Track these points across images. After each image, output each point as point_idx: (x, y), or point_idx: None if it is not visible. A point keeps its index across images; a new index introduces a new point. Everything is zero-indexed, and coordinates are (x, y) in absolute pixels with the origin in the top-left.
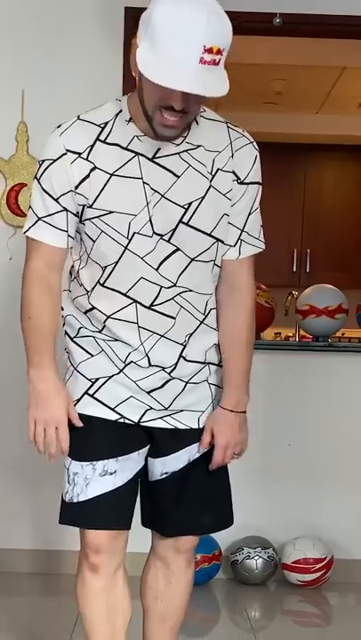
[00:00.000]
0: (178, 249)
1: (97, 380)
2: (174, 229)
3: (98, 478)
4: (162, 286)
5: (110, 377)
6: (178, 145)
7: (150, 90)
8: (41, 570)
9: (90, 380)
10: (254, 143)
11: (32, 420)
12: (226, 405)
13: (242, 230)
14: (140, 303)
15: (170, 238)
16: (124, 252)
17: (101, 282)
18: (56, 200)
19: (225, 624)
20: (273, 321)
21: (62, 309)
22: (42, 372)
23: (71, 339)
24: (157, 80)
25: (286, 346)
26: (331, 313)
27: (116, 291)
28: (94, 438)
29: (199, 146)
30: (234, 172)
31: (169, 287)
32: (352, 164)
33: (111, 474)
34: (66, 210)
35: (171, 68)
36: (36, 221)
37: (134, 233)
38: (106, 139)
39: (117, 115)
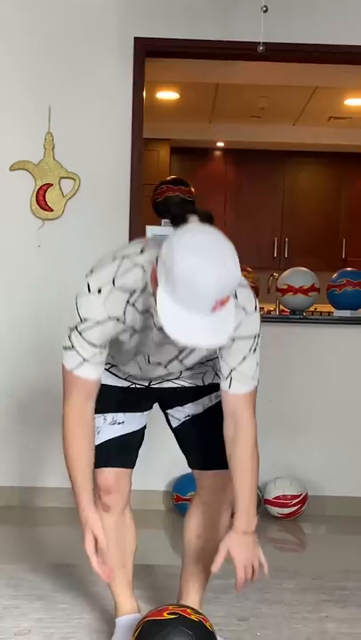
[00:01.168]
0: (168, 371)
1: (110, 364)
2: (169, 362)
3: (108, 427)
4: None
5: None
6: None
7: None
8: (65, 504)
9: (106, 363)
10: (247, 307)
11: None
12: (238, 530)
13: (233, 369)
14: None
15: (166, 365)
16: (128, 360)
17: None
18: (98, 347)
19: None
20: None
21: None
22: (83, 513)
23: None
24: (181, 341)
25: (268, 318)
26: (305, 291)
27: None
28: (106, 397)
29: None
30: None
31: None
32: (323, 167)
33: (119, 424)
34: (103, 350)
35: (185, 322)
36: (81, 362)
37: (139, 353)
38: (134, 304)
39: (144, 288)
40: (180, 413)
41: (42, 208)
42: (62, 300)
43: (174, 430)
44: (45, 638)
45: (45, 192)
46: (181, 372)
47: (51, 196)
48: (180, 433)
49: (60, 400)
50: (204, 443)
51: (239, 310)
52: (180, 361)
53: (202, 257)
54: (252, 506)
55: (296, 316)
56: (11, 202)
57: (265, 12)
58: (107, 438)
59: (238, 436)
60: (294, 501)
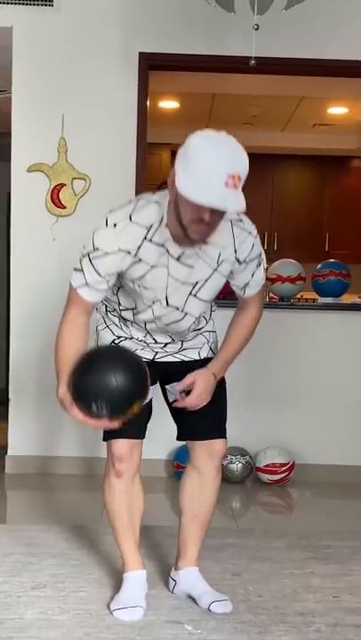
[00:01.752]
0: (186, 314)
1: (120, 337)
2: (185, 302)
3: None
4: (167, 323)
5: (130, 338)
6: (195, 248)
7: (187, 208)
8: (79, 472)
9: (115, 335)
10: (253, 231)
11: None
12: (210, 369)
13: (246, 283)
14: (155, 319)
15: (182, 308)
16: (147, 308)
17: (121, 308)
18: (102, 276)
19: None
20: None
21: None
22: (60, 390)
23: (107, 311)
24: (196, 200)
25: (265, 305)
26: (292, 280)
27: (136, 315)
28: None
29: (211, 247)
30: (237, 259)
31: (179, 320)
32: (308, 169)
33: None
34: (108, 281)
35: (203, 191)
36: (84, 284)
37: (155, 301)
38: (151, 239)
39: (161, 220)
40: (175, 394)
41: (56, 206)
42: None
43: (170, 405)
44: (59, 592)
45: (59, 191)
46: (189, 329)
47: (64, 195)
48: (178, 409)
49: None
50: (196, 416)
51: (246, 233)
52: (195, 295)
53: (215, 141)
54: (230, 360)
55: (284, 303)
56: (28, 200)
57: (256, 29)
58: None
59: (244, 310)
60: (283, 469)
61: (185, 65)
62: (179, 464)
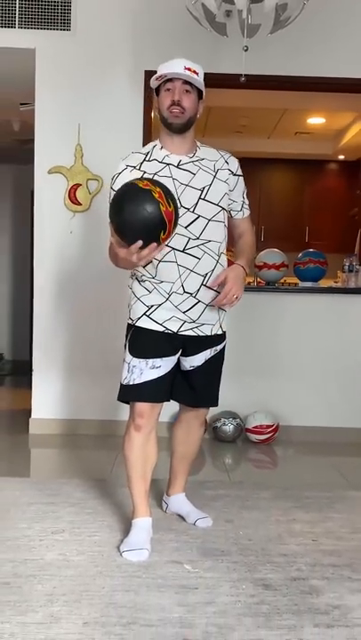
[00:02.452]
0: (199, 216)
1: (152, 306)
2: (196, 204)
3: (148, 370)
4: (190, 238)
5: (160, 305)
6: (191, 158)
7: (161, 99)
8: (96, 433)
9: (147, 306)
10: (232, 155)
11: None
12: (239, 263)
13: (243, 202)
14: (175, 249)
15: (194, 210)
16: None
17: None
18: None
19: (209, 467)
20: None
21: (135, 271)
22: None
23: (138, 281)
24: (163, 72)
25: (249, 289)
26: (277, 267)
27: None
28: (148, 344)
29: (203, 159)
30: (229, 170)
31: (195, 239)
32: (290, 171)
33: (157, 368)
34: None
35: (168, 68)
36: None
37: None
38: (149, 159)
39: (154, 146)
40: (187, 363)
41: (73, 203)
42: (88, 272)
43: (182, 374)
44: (76, 536)
45: (76, 190)
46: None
47: (80, 194)
48: (184, 375)
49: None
50: (197, 389)
51: (230, 154)
52: (204, 199)
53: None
54: (250, 260)
55: (270, 287)
56: (49, 198)
57: (246, 51)
58: (147, 379)
59: (243, 237)
60: (269, 430)
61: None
62: None
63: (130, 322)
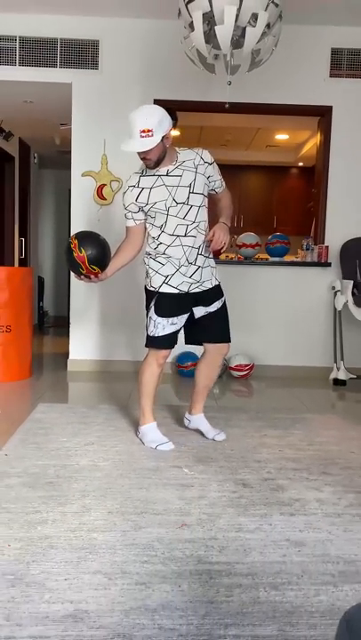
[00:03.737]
0: (191, 206)
1: (167, 275)
2: (188, 197)
3: (169, 325)
4: (188, 224)
5: (173, 274)
6: (175, 165)
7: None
8: (122, 369)
9: (164, 276)
10: (204, 150)
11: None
12: (222, 220)
13: (220, 179)
14: (179, 236)
15: (187, 202)
16: (167, 216)
17: (162, 230)
18: (129, 210)
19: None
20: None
21: (149, 252)
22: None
23: (152, 259)
24: (127, 150)
25: (231, 262)
26: (252, 246)
27: (167, 233)
28: (169, 306)
29: (184, 161)
30: (205, 162)
31: (192, 223)
32: (263, 175)
33: (174, 324)
34: (132, 212)
35: (129, 145)
36: (125, 216)
37: (169, 207)
38: (144, 174)
39: (145, 168)
40: (202, 310)
41: (100, 198)
42: (111, 249)
43: (196, 320)
44: (102, 447)
45: (102, 189)
46: (200, 242)
47: (105, 192)
48: (200, 322)
49: (115, 306)
50: (214, 328)
51: (199, 149)
52: (193, 192)
53: (134, 112)
54: (230, 216)
55: (247, 261)
56: (82, 194)
57: (229, 84)
58: (167, 332)
59: (223, 199)
60: (246, 368)
61: (183, 107)
62: (180, 365)
63: (152, 289)
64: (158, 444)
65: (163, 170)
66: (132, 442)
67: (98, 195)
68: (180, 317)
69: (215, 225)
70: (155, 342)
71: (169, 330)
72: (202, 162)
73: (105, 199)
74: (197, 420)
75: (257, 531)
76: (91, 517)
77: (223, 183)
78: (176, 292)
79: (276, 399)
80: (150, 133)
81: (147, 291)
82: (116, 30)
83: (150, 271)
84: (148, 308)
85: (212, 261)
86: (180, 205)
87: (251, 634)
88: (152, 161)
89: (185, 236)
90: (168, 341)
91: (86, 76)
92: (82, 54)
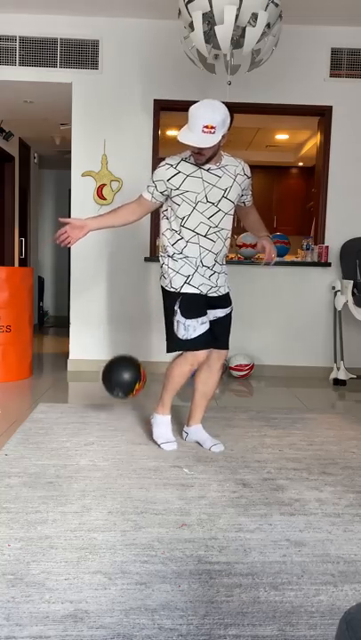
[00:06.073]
0: (219, 210)
1: (188, 275)
2: (219, 200)
3: (200, 326)
4: (210, 226)
5: (193, 274)
6: (218, 165)
7: (188, 147)
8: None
9: (185, 276)
10: (246, 164)
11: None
12: (265, 236)
13: (250, 195)
14: (199, 234)
15: (217, 205)
16: (193, 209)
17: (182, 224)
18: (153, 184)
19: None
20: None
21: (166, 249)
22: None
23: (171, 258)
24: (186, 142)
25: (231, 262)
26: (253, 246)
27: (188, 228)
28: (195, 306)
29: (226, 165)
30: (245, 174)
31: (214, 227)
32: (263, 175)
33: (204, 323)
34: (156, 187)
35: (189, 138)
36: (147, 187)
37: (198, 201)
38: (186, 160)
39: (191, 154)
40: (211, 315)
41: (100, 198)
42: (111, 249)
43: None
44: (102, 447)
45: (102, 189)
46: (223, 240)
47: (105, 191)
48: (211, 326)
49: (116, 306)
50: (219, 333)
51: (244, 162)
52: (226, 197)
53: (201, 104)
54: (265, 230)
55: (247, 261)
56: (82, 194)
57: (229, 84)
58: (199, 333)
59: (251, 213)
60: (246, 368)
61: (183, 107)
62: None
63: (173, 290)
64: (164, 441)
65: (205, 165)
66: (132, 442)
67: (98, 195)
68: (205, 317)
69: (261, 238)
70: (189, 345)
71: (200, 330)
72: (242, 173)
73: (105, 199)
74: (195, 431)
75: (257, 531)
76: (91, 517)
77: (252, 199)
78: (198, 292)
79: (276, 399)
80: (213, 130)
81: (166, 292)
82: (116, 30)
83: (170, 272)
84: (172, 312)
85: (226, 269)
86: (208, 204)
87: (251, 634)
88: (205, 157)
89: (205, 236)
90: (203, 342)
91: (86, 76)
92: (82, 54)
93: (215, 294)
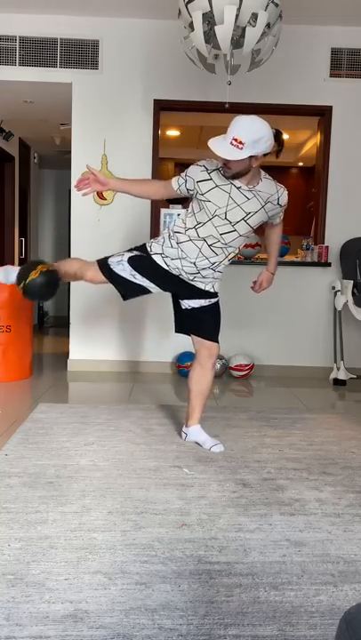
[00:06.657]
0: (235, 230)
1: (169, 257)
2: (238, 222)
3: (128, 274)
4: (219, 241)
5: (174, 259)
6: (250, 187)
7: (218, 158)
8: (117, 370)
9: (166, 255)
10: (286, 191)
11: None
12: (269, 270)
13: (281, 218)
14: (205, 241)
15: (234, 225)
16: (209, 220)
17: (195, 226)
18: (184, 178)
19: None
20: None
21: (170, 229)
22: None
23: (169, 238)
24: (215, 151)
25: (231, 263)
26: (252, 246)
27: (198, 232)
28: (147, 268)
29: (260, 190)
30: (278, 204)
31: (223, 242)
32: None
33: (134, 278)
34: (186, 182)
35: (219, 142)
36: (179, 177)
37: (216, 215)
38: (219, 170)
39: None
40: (186, 304)
41: (100, 198)
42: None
43: (183, 311)
44: (102, 447)
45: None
46: (225, 255)
47: (105, 192)
48: (192, 313)
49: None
50: (205, 323)
51: (283, 189)
52: (246, 221)
53: (245, 117)
54: (277, 258)
55: (248, 261)
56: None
57: (229, 84)
58: (121, 274)
59: (275, 229)
60: (246, 368)
61: (183, 107)
62: (180, 364)
63: (148, 249)
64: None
65: (237, 182)
66: (132, 442)
67: (98, 194)
68: (144, 280)
69: (265, 273)
70: (105, 272)
71: (124, 275)
72: (276, 201)
73: (105, 199)
74: (194, 431)
75: (257, 531)
76: (91, 517)
77: (281, 222)
78: (165, 267)
79: (276, 399)
80: (240, 146)
81: (142, 246)
82: (116, 30)
83: (160, 240)
84: (130, 250)
85: (220, 275)
86: (225, 222)
87: (251, 634)
88: (231, 171)
89: (210, 246)
90: (120, 283)
91: (86, 76)
92: (82, 54)
93: (185, 279)
